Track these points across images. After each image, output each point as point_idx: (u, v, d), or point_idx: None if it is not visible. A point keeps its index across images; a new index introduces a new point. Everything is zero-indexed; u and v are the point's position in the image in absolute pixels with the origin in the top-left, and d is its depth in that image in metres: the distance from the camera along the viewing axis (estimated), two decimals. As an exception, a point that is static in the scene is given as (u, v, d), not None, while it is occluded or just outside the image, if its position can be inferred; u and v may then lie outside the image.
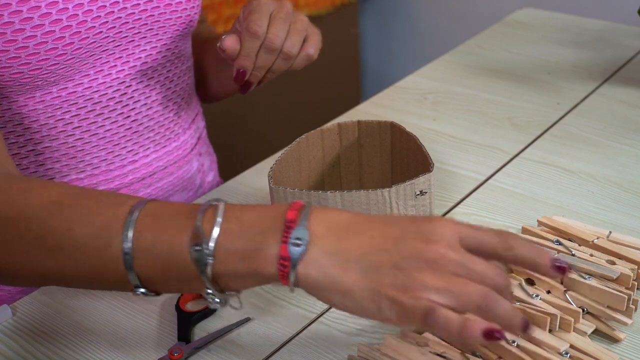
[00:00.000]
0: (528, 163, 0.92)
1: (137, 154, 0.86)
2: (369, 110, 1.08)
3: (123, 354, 0.68)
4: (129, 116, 0.84)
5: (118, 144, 0.84)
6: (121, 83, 0.82)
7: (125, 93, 0.82)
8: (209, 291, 0.53)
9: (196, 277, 0.53)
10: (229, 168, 1.12)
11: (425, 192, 0.70)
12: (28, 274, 0.59)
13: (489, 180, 0.89)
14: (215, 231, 0.52)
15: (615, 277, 0.66)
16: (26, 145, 0.79)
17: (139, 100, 0.84)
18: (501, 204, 0.84)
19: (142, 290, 0.56)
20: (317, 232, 0.51)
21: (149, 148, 0.87)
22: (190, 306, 0.72)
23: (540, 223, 0.76)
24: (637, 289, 0.68)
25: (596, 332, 0.65)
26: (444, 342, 0.63)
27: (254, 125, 1.96)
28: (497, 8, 1.94)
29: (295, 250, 0.51)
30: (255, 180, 0.92)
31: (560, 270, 0.52)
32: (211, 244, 0.52)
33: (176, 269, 0.54)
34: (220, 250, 0.52)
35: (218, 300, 0.54)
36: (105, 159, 0.84)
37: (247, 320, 0.70)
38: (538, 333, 0.61)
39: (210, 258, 0.52)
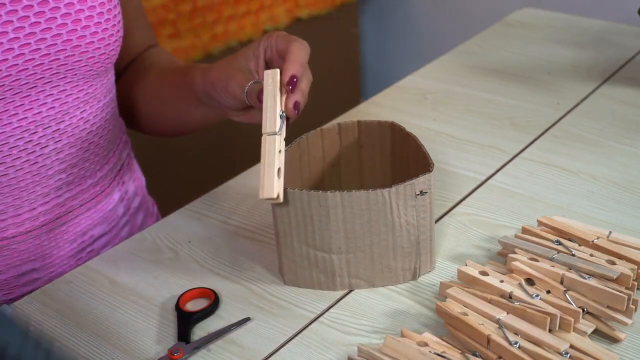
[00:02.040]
0: (528, 163, 0.92)
1: (47, 195, 0.81)
2: (369, 110, 1.08)
3: (123, 354, 0.68)
4: (35, 162, 0.78)
5: (25, 190, 0.79)
6: (24, 131, 0.76)
7: (30, 140, 0.77)
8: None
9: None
10: (227, 169, 1.12)
11: (426, 192, 0.70)
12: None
13: (489, 180, 0.89)
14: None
15: (615, 277, 0.66)
16: None
17: (46, 146, 0.79)
18: (501, 204, 0.84)
19: None
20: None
21: (60, 189, 0.82)
22: (190, 306, 0.72)
23: (540, 223, 0.76)
24: (637, 289, 0.68)
25: (596, 332, 0.65)
26: (444, 342, 0.63)
27: (253, 126, 1.96)
28: (497, 8, 1.94)
29: None
30: (254, 180, 0.92)
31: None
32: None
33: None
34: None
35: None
36: (13, 205, 0.79)
37: (247, 320, 0.70)
38: (538, 333, 0.61)
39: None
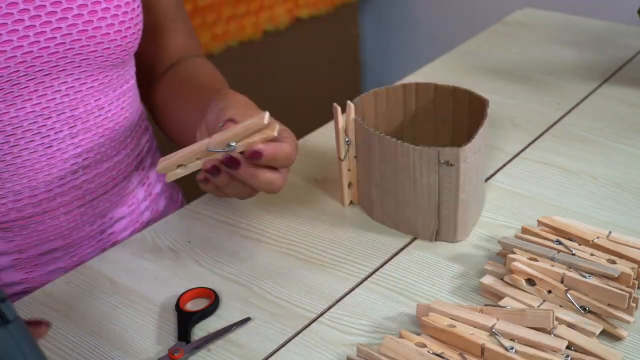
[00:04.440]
0: (528, 163, 0.92)
1: (63, 178, 0.82)
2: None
3: (123, 353, 0.68)
4: (50, 146, 0.80)
5: (40, 171, 0.80)
6: (38, 115, 0.78)
7: (44, 125, 0.79)
8: None
9: None
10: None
11: (452, 165, 0.73)
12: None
13: (489, 180, 0.89)
14: None
15: (616, 275, 0.66)
16: None
17: (61, 131, 0.80)
18: (501, 204, 0.84)
19: None
20: None
21: (76, 172, 0.83)
22: (190, 306, 0.72)
23: (540, 223, 0.76)
24: (638, 287, 0.68)
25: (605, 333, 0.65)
26: (442, 343, 0.63)
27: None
28: (497, 8, 1.94)
29: None
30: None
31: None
32: None
33: None
34: None
35: None
36: (28, 186, 0.80)
37: (247, 320, 0.70)
38: (535, 335, 0.61)
39: None
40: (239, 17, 1.90)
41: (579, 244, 0.72)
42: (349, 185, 0.84)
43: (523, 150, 0.95)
